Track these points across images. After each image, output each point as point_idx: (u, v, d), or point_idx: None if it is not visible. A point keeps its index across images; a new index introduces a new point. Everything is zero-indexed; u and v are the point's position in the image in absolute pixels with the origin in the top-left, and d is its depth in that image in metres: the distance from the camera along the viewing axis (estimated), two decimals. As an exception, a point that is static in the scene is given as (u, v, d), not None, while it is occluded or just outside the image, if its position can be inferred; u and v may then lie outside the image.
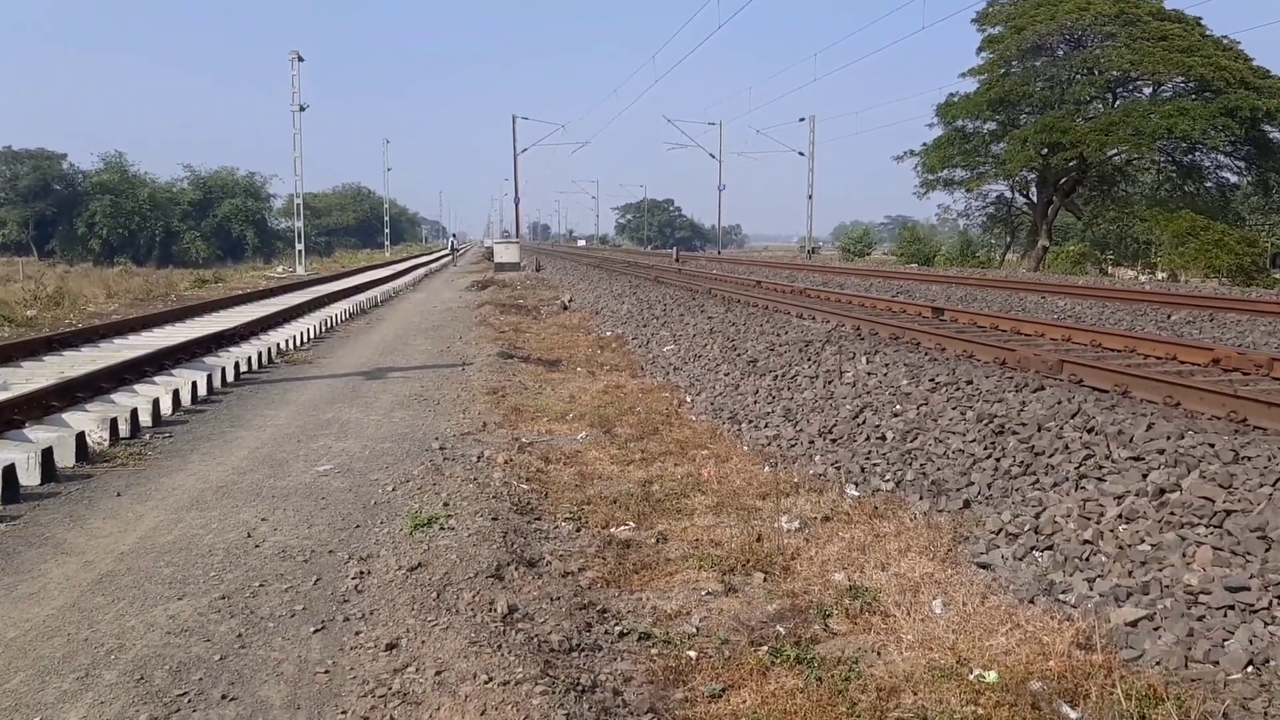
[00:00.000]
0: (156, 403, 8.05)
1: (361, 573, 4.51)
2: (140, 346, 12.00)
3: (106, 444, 6.95)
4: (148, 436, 7.38)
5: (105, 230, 67.03)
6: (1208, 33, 37.63)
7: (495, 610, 4.05)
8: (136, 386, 9.23)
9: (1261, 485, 4.23)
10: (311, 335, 14.82)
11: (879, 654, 3.80)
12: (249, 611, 4.07)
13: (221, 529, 5.19)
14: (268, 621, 3.98)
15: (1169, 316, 13.07)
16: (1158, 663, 3.58)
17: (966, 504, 5.38)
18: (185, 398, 8.74)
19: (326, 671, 3.54)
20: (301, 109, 39.88)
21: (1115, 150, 37.57)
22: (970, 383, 6.95)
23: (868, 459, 6.48)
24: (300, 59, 39.62)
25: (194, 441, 7.33)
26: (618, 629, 4.12)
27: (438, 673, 3.50)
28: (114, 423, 7.18)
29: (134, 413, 7.51)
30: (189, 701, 3.32)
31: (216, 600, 4.18)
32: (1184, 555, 4.05)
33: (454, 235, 62.06)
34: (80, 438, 6.62)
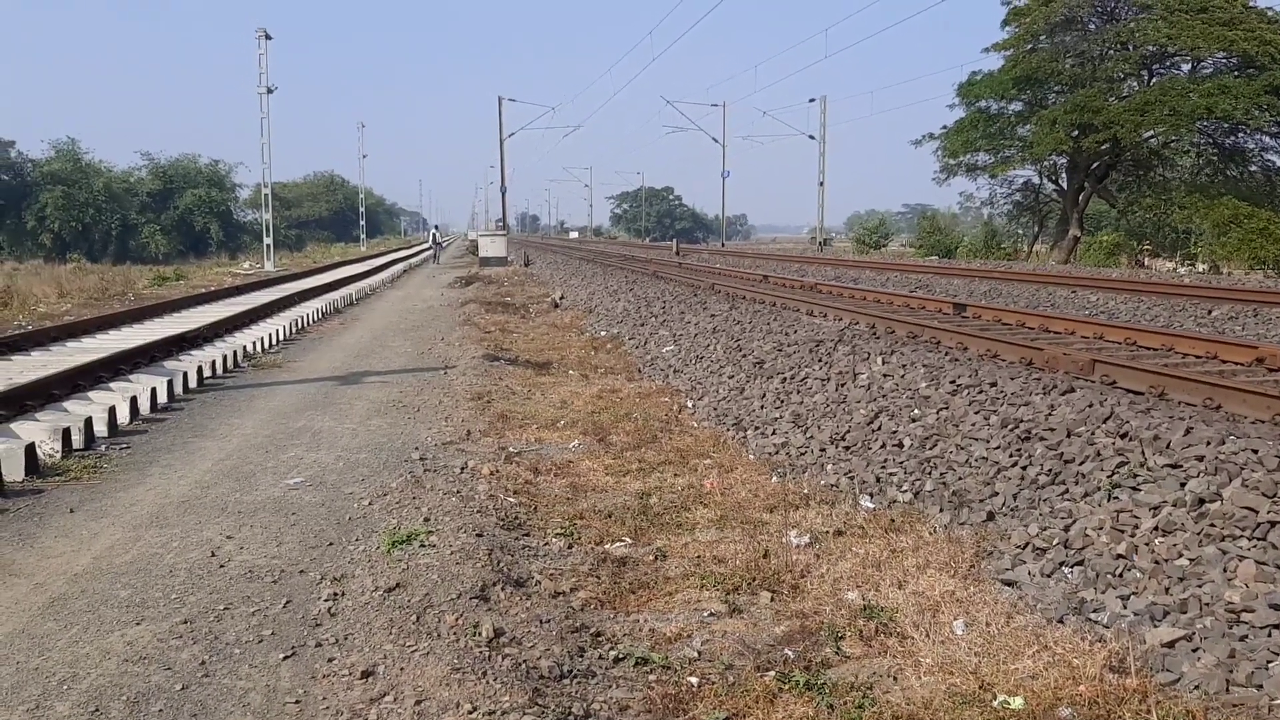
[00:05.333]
0: (113, 411, 8.06)
1: (335, 594, 4.52)
2: (95, 350, 12.02)
3: (59, 456, 6.95)
4: (104, 448, 7.39)
5: (57, 224, 66.91)
6: (1252, 4, 37.66)
7: (480, 634, 4.06)
8: (91, 393, 9.24)
9: (1308, 494, 4.24)
10: (281, 337, 14.85)
11: (895, 679, 3.81)
12: (213, 637, 4.08)
13: (183, 548, 5.20)
14: (233, 648, 3.98)
15: (1210, 312, 13.09)
16: (1197, 687, 3.59)
17: (990, 516, 5.40)
18: (144, 405, 8.74)
19: (297, 701, 3.54)
20: (270, 91, 39.94)
21: (1151, 132, 37.53)
22: (994, 385, 6.97)
23: (883, 468, 6.49)
24: (268, 37, 39.66)
25: (154, 453, 7.34)
26: (613, 654, 4.13)
27: (417, 702, 3.51)
28: (67, 433, 7.18)
29: (88, 422, 7.52)
30: (148, 735, 3.32)
31: (178, 625, 4.19)
32: (1225, 570, 4.07)
33: (436, 227, 61.78)
34: (30, 449, 6.62)
